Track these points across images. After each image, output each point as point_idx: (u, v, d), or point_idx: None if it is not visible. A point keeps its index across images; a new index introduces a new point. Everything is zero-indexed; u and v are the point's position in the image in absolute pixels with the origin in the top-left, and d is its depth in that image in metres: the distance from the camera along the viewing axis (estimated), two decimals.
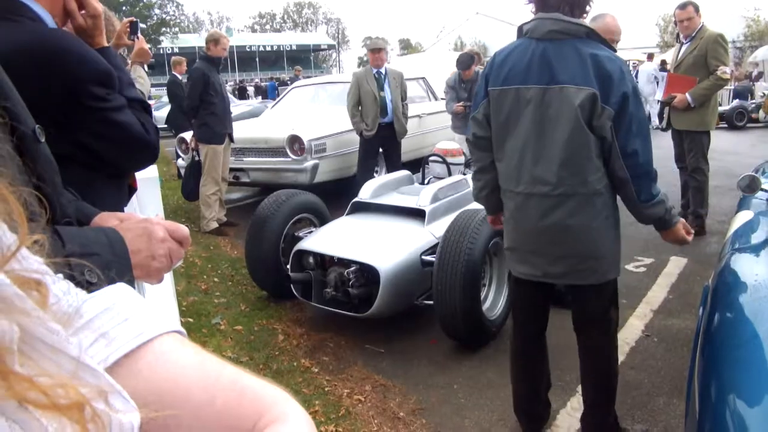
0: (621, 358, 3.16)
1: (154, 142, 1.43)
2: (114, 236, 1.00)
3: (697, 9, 4.96)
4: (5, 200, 0.39)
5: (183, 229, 1.09)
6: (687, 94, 4.90)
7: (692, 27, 4.97)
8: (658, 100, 5.01)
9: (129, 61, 3.59)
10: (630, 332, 3.48)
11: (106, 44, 1.47)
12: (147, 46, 3.27)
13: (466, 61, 6.60)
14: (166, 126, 8.73)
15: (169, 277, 1.77)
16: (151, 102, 3.22)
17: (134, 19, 3.12)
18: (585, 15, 2.14)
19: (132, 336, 0.49)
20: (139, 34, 3.13)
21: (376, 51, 6.16)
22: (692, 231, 2.33)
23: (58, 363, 0.37)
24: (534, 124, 2.11)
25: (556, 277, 2.26)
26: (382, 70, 6.14)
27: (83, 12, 1.42)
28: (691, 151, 5.10)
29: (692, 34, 4.98)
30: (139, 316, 0.52)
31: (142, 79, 3.14)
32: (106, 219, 1.26)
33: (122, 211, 1.53)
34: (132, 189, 1.69)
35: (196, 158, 5.80)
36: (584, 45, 2.04)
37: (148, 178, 2.22)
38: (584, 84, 2.00)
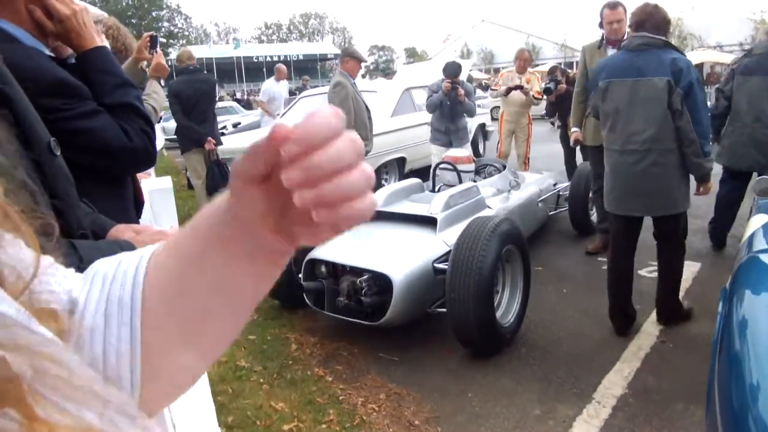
0: (637, 364, 3.15)
1: (138, 147, 1.41)
2: (128, 249, 1.01)
3: (626, 11, 4.23)
4: (17, 228, 0.39)
5: None
6: None
7: (621, 32, 4.32)
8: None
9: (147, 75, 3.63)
10: (645, 338, 3.45)
11: (93, 45, 1.43)
12: (165, 60, 3.29)
13: (455, 69, 6.14)
14: (175, 137, 8.71)
15: None
16: (161, 114, 3.23)
17: (154, 34, 3.17)
18: (666, 33, 3.26)
19: None
20: (158, 49, 3.17)
21: (363, 61, 5.74)
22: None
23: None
24: (628, 104, 3.19)
25: (642, 211, 3.31)
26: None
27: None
28: None
29: (621, 40, 4.05)
30: None
31: (156, 94, 3.15)
32: (122, 231, 1.27)
33: (125, 219, 1.53)
34: (138, 202, 1.70)
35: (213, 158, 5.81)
36: (662, 52, 3.14)
37: (161, 189, 2.24)
38: (663, 75, 3.07)
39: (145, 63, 3.20)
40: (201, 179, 5.85)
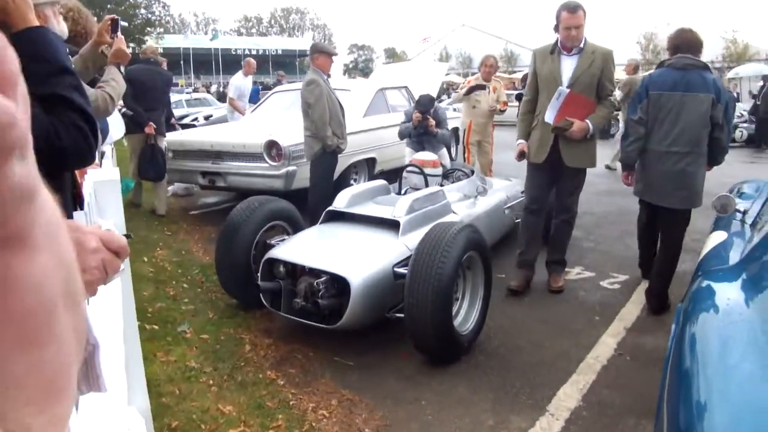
0: (592, 376, 3.14)
1: (67, 146, 1.28)
2: None
3: (585, 15, 3.97)
4: None
5: (119, 239, 1.01)
6: (587, 121, 3.99)
7: (580, 37, 3.96)
8: (554, 127, 4.01)
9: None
10: (603, 350, 3.44)
11: (25, 25, 1.30)
12: (125, 46, 3.15)
13: (427, 104, 5.98)
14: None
15: (119, 283, 1.67)
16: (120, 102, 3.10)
17: (116, 17, 3.01)
18: (700, 54, 3.84)
19: None
20: (119, 33, 3.02)
21: (333, 55, 5.57)
22: None
23: None
24: (674, 113, 3.73)
25: (675, 203, 3.86)
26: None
27: None
28: (573, 194, 4.31)
29: (580, 46, 3.97)
30: None
31: (114, 81, 3.01)
32: None
33: (64, 213, 1.44)
34: (76, 199, 1.59)
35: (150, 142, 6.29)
36: (704, 72, 3.76)
37: (107, 180, 2.13)
38: (708, 93, 3.68)
39: (105, 47, 3.06)
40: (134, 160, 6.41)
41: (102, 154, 3.50)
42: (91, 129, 1.32)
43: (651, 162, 3.91)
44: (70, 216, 1.55)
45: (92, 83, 3.00)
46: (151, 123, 6.20)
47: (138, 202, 6.96)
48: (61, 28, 2.49)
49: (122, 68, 3.02)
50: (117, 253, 1.01)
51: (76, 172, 1.92)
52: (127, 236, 1.18)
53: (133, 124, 5.91)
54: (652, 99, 3.82)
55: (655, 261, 4.12)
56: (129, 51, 3.15)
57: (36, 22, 1.36)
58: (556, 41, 4.05)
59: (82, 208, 2.14)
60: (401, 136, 6.27)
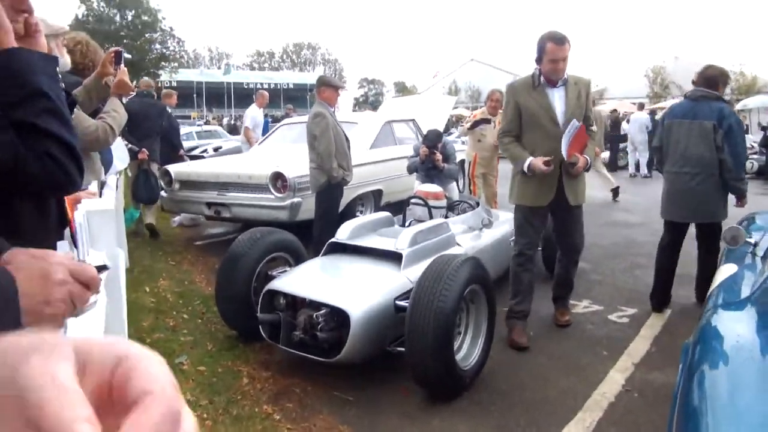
0: (599, 414, 3.04)
1: (36, 173, 1.20)
2: (2, 277, 0.88)
3: (570, 48, 3.73)
4: None
5: (88, 271, 0.97)
6: (587, 157, 3.84)
7: (563, 71, 3.74)
8: (568, 163, 3.70)
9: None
10: (610, 386, 3.33)
11: (7, 46, 1.21)
12: (128, 78, 3.18)
13: (434, 138, 5.98)
14: None
15: (101, 315, 1.63)
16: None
17: (120, 49, 3.05)
18: (717, 87, 4.25)
19: None
20: (122, 65, 3.05)
21: (340, 88, 5.62)
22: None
23: None
24: (685, 138, 4.21)
25: (689, 218, 4.38)
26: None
27: None
28: (579, 231, 4.09)
29: (564, 78, 3.76)
30: None
31: (115, 113, 3.03)
32: (15, 255, 1.13)
33: (46, 238, 1.39)
34: (65, 220, 1.55)
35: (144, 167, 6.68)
36: (714, 102, 4.17)
37: (100, 210, 2.11)
38: (711, 120, 4.09)
39: (110, 78, 3.09)
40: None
41: (102, 184, 3.50)
42: (71, 156, 1.26)
43: (669, 182, 4.40)
44: (53, 245, 1.51)
45: (95, 114, 3.01)
46: (144, 150, 6.58)
47: (142, 231, 7.01)
48: (64, 60, 2.51)
49: (124, 100, 3.04)
50: (87, 285, 0.97)
51: (67, 200, 1.89)
52: (104, 267, 1.14)
53: (129, 154, 6.13)
54: (666, 127, 4.39)
55: (698, 265, 4.57)
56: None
57: (11, 44, 1.27)
58: (539, 73, 3.76)
59: (73, 239, 2.11)
60: (410, 170, 6.28)
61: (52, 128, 1.21)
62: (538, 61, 3.74)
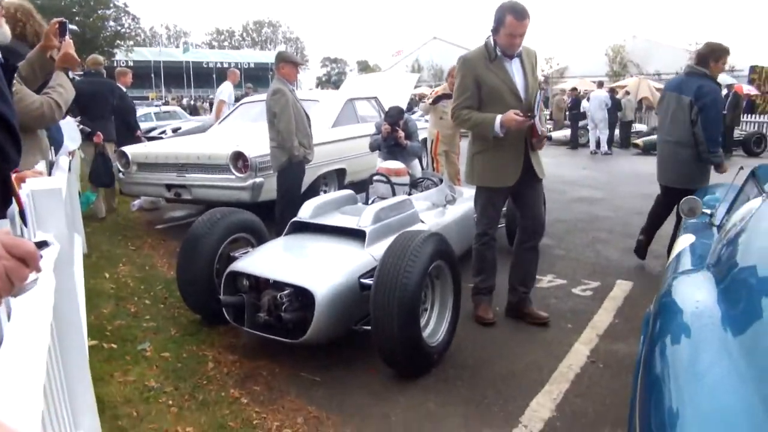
0: (566, 385, 3.08)
1: None
2: None
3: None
4: None
5: (25, 245, 0.90)
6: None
7: (519, 46, 3.59)
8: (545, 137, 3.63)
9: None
10: (575, 358, 3.39)
11: None
12: (74, 50, 3.01)
13: (396, 115, 5.94)
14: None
15: (48, 298, 1.55)
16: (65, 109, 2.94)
17: (64, 20, 2.87)
18: (706, 64, 4.60)
19: None
20: (68, 37, 2.89)
21: (299, 64, 5.48)
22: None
23: None
24: (672, 109, 4.69)
25: (670, 182, 4.80)
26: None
27: None
28: (542, 204, 3.99)
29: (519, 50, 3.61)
30: None
31: (61, 87, 2.87)
32: None
33: None
34: (8, 199, 1.46)
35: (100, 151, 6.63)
36: (699, 78, 4.57)
37: (47, 189, 1.99)
38: (689, 95, 4.53)
39: (55, 52, 2.92)
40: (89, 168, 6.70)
41: (51, 164, 3.34)
42: (7, 131, 1.19)
43: (658, 149, 5.01)
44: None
45: (40, 90, 2.86)
46: (98, 133, 6.53)
47: (102, 215, 6.82)
48: (2, 30, 2.36)
49: (71, 73, 2.89)
50: (23, 260, 0.90)
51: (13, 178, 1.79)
52: (44, 243, 1.07)
53: (83, 135, 6.10)
54: (661, 97, 5.03)
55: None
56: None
57: None
58: (494, 46, 3.55)
59: (23, 217, 2.01)
60: (372, 148, 6.20)
61: None
62: (495, 32, 3.54)
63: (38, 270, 0.94)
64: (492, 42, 3.57)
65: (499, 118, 3.48)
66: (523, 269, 3.93)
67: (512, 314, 3.96)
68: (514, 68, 3.61)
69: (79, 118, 6.51)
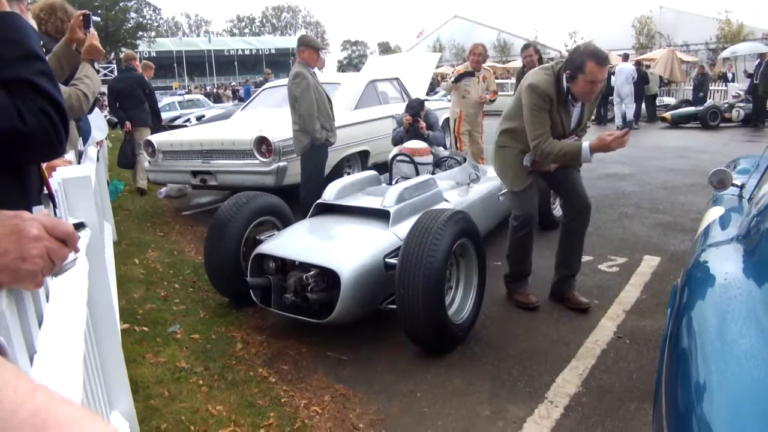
0: (592, 361, 3.07)
1: (34, 130, 1.17)
2: None
3: None
4: None
5: (65, 226, 0.94)
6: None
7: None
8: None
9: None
10: (602, 334, 3.37)
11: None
12: (98, 42, 3.06)
13: (417, 107, 5.95)
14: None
15: (83, 281, 1.59)
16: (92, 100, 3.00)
17: (88, 12, 2.93)
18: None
19: None
20: (92, 29, 2.94)
21: (320, 48, 5.49)
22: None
23: None
24: None
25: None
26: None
27: None
28: (581, 183, 3.96)
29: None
30: None
31: (88, 78, 2.92)
32: None
33: (27, 207, 1.35)
34: (41, 188, 1.50)
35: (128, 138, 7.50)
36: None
37: (77, 177, 2.05)
38: None
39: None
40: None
41: (80, 154, 3.41)
42: (61, 119, 1.22)
43: None
44: (30, 210, 1.47)
45: (67, 81, 2.91)
46: (127, 122, 7.35)
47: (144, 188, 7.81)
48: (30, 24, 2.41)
49: (96, 64, 2.94)
50: (64, 241, 0.94)
51: (44, 167, 1.84)
52: (81, 225, 1.11)
53: (111, 125, 6.87)
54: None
55: None
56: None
57: (5, 8, 1.27)
58: (567, 90, 3.37)
59: (54, 204, 2.06)
60: (394, 142, 6.08)
61: (48, 88, 1.20)
62: (570, 78, 3.30)
63: (77, 250, 0.98)
64: (566, 87, 3.38)
65: (587, 145, 3.34)
66: (565, 251, 3.81)
67: (555, 298, 3.85)
68: (576, 111, 3.53)
69: (109, 109, 7.18)
